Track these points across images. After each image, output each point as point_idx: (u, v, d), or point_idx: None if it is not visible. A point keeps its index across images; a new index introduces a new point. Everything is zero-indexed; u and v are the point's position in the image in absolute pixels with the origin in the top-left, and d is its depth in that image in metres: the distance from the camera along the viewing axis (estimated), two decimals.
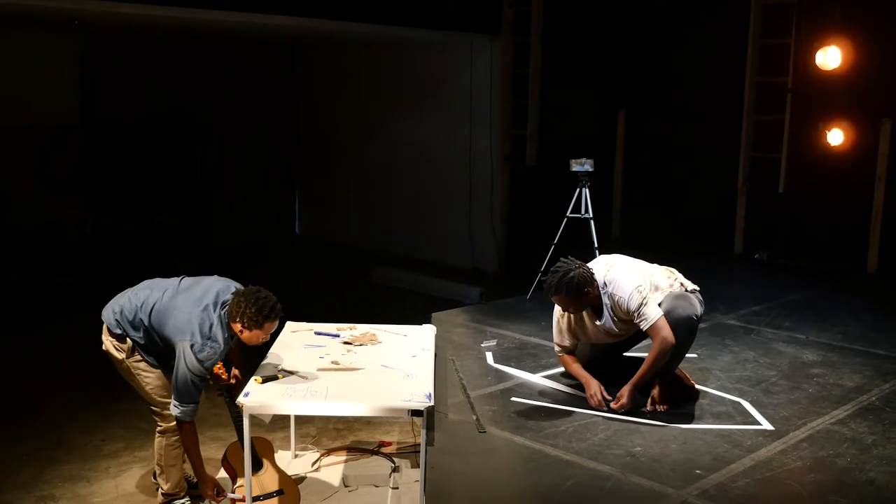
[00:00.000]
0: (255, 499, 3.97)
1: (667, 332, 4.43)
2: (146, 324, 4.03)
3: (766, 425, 4.31)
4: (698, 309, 4.63)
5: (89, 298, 8.43)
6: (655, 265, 4.84)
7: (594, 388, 4.60)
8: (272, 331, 3.94)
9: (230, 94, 11.68)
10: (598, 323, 4.60)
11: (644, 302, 4.44)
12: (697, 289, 4.80)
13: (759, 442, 4.11)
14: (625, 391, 4.51)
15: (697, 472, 3.79)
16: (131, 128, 10.90)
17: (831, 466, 3.88)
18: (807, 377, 5.06)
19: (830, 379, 5.04)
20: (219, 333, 3.91)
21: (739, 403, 4.61)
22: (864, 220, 8.22)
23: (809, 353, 5.53)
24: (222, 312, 3.93)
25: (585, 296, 4.44)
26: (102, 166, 10.69)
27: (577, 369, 4.75)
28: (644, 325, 4.47)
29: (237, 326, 3.88)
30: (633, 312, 4.46)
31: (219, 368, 4.07)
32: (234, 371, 4.29)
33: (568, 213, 7.45)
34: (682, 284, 4.75)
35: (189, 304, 3.96)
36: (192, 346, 3.85)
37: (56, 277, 9.41)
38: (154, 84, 10.88)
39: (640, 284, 4.51)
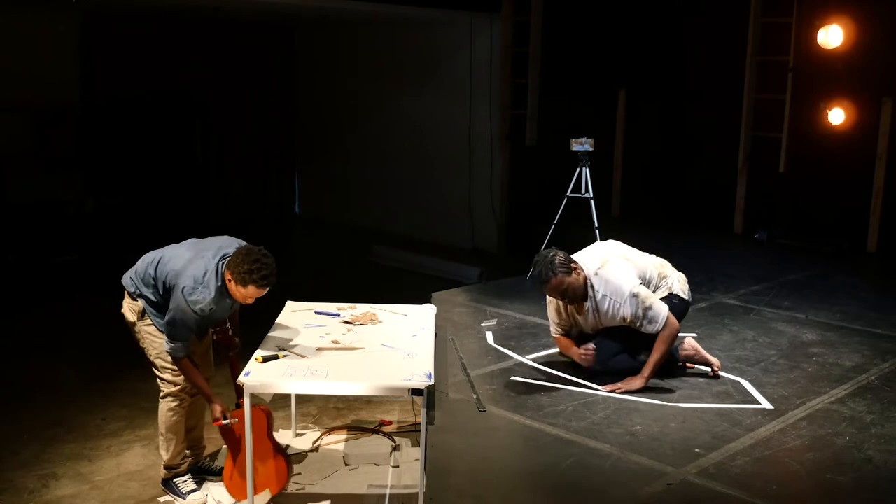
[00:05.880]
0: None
1: (672, 321, 4.41)
2: (153, 275, 4.13)
3: (766, 404, 4.32)
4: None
5: (89, 277, 8.51)
6: (647, 256, 4.77)
7: (577, 353, 4.62)
8: (257, 296, 3.96)
9: (230, 72, 11.62)
10: (585, 312, 4.58)
11: (647, 305, 4.39)
12: (683, 295, 4.69)
13: (758, 421, 4.12)
14: (632, 381, 4.47)
15: (696, 450, 3.80)
16: (130, 107, 10.83)
17: (830, 445, 3.90)
18: (806, 356, 5.07)
19: (829, 358, 5.04)
20: (212, 280, 3.97)
21: (739, 383, 4.62)
22: (865, 200, 8.20)
23: (809, 332, 5.54)
24: (220, 262, 4.01)
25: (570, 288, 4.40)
26: (101, 145, 10.65)
27: (569, 347, 4.73)
28: (651, 329, 4.41)
29: (228, 275, 3.95)
30: (634, 318, 4.40)
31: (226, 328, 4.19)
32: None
33: (568, 193, 7.45)
34: (669, 287, 4.67)
35: (190, 252, 4.11)
36: (183, 288, 3.94)
37: (55, 256, 9.41)
38: (153, 63, 10.81)
39: (634, 285, 4.43)
